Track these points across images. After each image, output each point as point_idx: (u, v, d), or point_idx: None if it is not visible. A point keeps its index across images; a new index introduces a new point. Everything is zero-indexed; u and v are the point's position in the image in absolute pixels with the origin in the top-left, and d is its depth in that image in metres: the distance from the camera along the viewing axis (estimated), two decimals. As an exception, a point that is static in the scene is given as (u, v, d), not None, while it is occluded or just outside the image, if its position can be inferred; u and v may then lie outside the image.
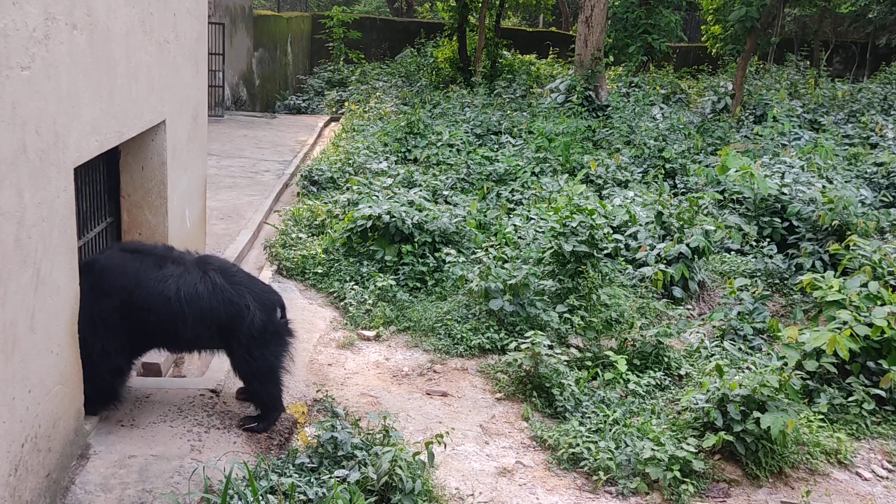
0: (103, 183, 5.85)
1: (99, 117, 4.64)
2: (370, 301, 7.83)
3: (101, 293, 4.85)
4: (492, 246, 8.36)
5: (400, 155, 13.43)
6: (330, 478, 4.67)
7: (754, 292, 8.33)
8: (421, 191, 10.46)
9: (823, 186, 10.64)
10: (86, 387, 4.76)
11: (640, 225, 9.57)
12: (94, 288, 4.81)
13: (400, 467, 4.71)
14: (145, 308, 4.92)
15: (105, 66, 4.69)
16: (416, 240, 8.69)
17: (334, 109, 20.12)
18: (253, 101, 20.43)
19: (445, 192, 10.99)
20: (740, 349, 7.28)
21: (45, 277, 4.07)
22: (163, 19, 5.73)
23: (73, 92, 4.26)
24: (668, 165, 12.67)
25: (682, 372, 6.97)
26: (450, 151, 13.20)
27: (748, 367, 6.69)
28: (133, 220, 6.15)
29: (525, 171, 11.98)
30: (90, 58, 4.47)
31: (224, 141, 14.90)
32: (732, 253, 9.92)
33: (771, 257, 9.50)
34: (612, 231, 8.77)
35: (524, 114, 16.36)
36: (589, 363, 6.98)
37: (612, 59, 18.96)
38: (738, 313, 7.98)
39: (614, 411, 6.12)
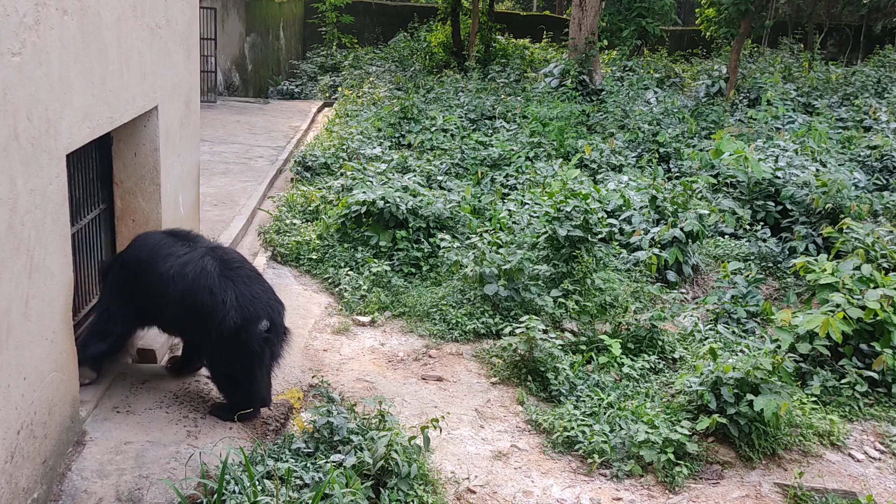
0: (96, 169, 5.83)
1: (91, 103, 4.62)
2: (365, 287, 7.83)
3: (124, 263, 5.31)
4: (486, 231, 8.36)
5: (394, 140, 13.39)
6: (326, 462, 4.69)
7: (748, 276, 8.36)
8: (415, 176, 10.44)
9: (817, 170, 10.66)
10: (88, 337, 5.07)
11: (635, 209, 9.58)
12: (122, 256, 5.38)
13: (396, 451, 4.73)
14: (146, 282, 5.11)
15: (96, 51, 4.66)
16: (410, 225, 8.69)
17: (327, 95, 20.02)
18: (246, 87, 20.31)
19: (440, 178, 10.97)
20: (734, 332, 7.31)
21: (38, 264, 4.07)
22: (154, 4, 5.69)
23: (65, 78, 4.23)
24: (662, 150, 12.67)
25: (676, 355, 7.00)
26: (444, 136, 13.17)
27: (742, 350, 6.72)
28: (126, 206, 6.13)
29: (519, 156, 11.96)
30: (81, 43, 4.44)
31: (217, 127, 14.82)
32: (726, 237, 9.94)
33: (764, 241, 9.53)
34: (606, 215, 8.78)
35: (518, 98, 16.31)
36: (583, 347, 7.00)
37: (605, 42, 18.90)
38: (732, 297, 8.01)
39: (609, 395, 6.16)
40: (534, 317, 6.55)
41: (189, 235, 5.43)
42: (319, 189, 10.50)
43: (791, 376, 6.08)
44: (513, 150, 12.27)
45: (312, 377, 6.18)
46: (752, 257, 9.33)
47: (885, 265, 7.68)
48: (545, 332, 6.66)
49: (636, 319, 7.22)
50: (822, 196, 9.53)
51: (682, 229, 8.72)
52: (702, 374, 6.00)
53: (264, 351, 5.07)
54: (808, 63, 20.44)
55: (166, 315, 5.20)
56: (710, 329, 7.42)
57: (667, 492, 5.32)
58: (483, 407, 6.17)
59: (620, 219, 9.46)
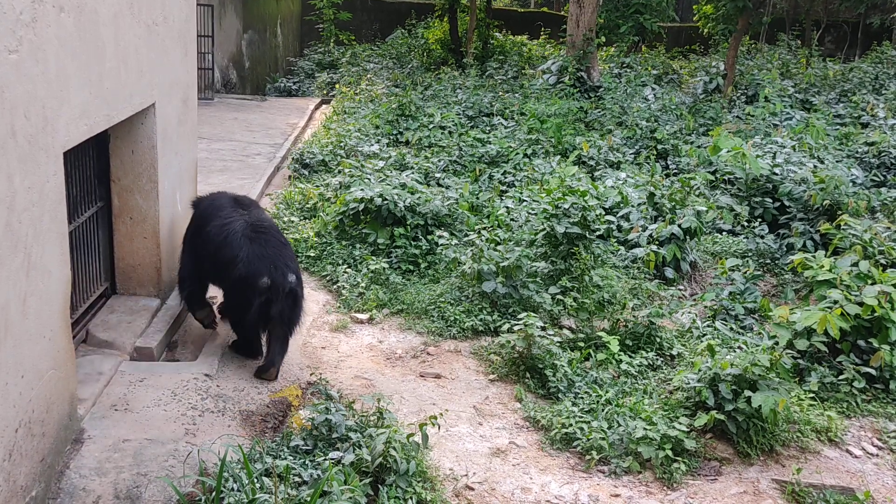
0: (93, 167, 5.83)
1: (88, 101, 4.61)
2: (363, 284, 7.83)
3: (196, 216, 6.21)
4: (484, 228, 8.36)
5: (391, 137, 13.37)
6: (325, 460, 4.69)
7: (746, 272, 8.36)
8: (413, 173, 10.42)
9: (815, 166, 10.65)
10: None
11: (632, 206, 9.57)
12: (197, 209, 6.24)
13: (394, 449, 4.73)
14: (201, 235, 6.00)
15: (93, 48, 4.65)
16: (408, 222, 8.68)
17: (325, 92, 19.99)
18: (243, 84, 20.28)
19: (437, 175, 10.96)
20: (732, 329, 7.32)
21: (36, 262, 4.06)
22: (151, 1, 5.68)
23: (62, 75, 4.23)
24: (659, 146, 12.65)
25: (674, 352, 7.01)
26: (441, 133, 13.16)
27: (739, 347, 6.73)
28: (124, 204, 6.13)
29: (517, 153, 11.95)
30: (78, 41, 4.43)
31: (214, 124, 14.80)
32: (724, 233, 9.94)
33: (762, 237, 9.53)
34: (604, 212, 8.76)
35: (516, 95, 16.29)
36: (581, 344, 7.00)
37: (603, 39, 18.88)
38: (730, 293, 8.02)
39: (607, 391, 6.16)
40: (532, 314, 6.55)
41: (246, 203, 6.27)
42: (317, 186, 10.49)
43: (789, 373, 6.09)
44: (511, 147, 12.26)
45: (311, 375, 6.18)
46: (750, 254, 9.33)
47: (882, 261, 7.69)
48: (543, 329, 6.66)
49: (634, 316, 7.22)
50: (820, 192, 9.53)
51: (679, 226, 8.72)
52: (700, 370, 6.00)
53: (265, 302, 5.66)
54: (805, 59, 20.45)
55: (207, 266, 5.98)
56: (708, 326, 7.42)
57: (665, 488, 5.33)
58: (481, 404, 6.18)
59: (618, 216, 9.45)
